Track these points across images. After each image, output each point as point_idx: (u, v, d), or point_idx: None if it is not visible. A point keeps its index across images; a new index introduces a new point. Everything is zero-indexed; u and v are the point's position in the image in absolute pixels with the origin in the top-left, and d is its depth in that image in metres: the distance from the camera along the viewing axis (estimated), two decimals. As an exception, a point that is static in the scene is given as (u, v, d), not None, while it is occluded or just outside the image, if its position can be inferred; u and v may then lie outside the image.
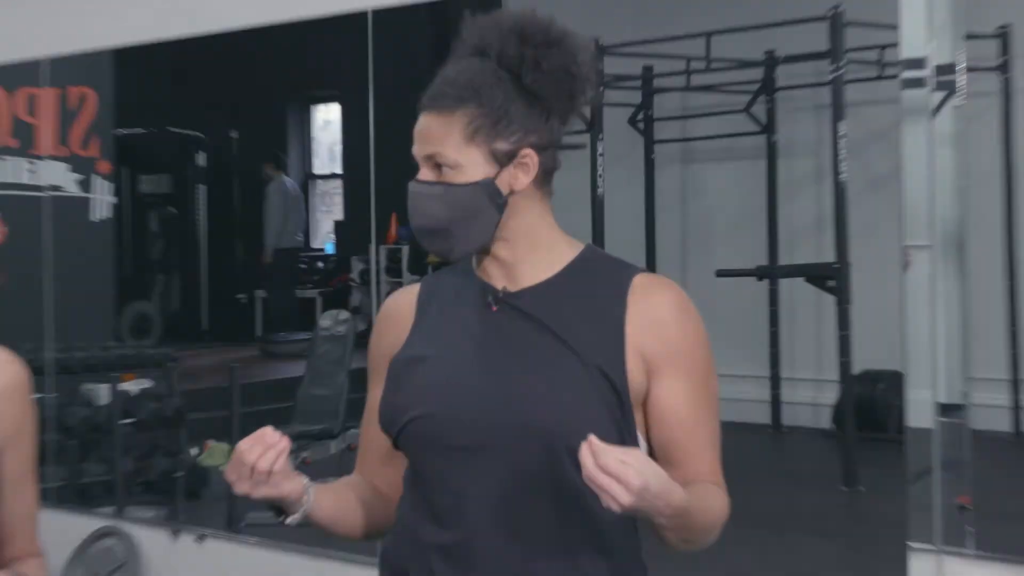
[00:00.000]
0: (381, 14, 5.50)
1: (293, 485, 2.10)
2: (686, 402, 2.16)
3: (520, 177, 2.13)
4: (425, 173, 2.13)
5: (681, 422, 2.16)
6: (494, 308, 2.19)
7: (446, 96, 2.11)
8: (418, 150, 2.14)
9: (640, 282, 2.18)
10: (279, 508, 2.14)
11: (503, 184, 2.12)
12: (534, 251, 2.19)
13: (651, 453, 2.15)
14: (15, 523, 2.18)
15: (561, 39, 2.14)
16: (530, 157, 2.13)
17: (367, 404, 2.33)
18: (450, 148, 2.10)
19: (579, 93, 2.16)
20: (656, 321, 2.16)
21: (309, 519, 2.17)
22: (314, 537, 2.43)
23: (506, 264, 2.19)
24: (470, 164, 2.10)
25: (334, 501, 2.22)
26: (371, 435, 2.30)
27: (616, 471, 1.86)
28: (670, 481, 1.95)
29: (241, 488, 2.06)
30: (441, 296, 2.27)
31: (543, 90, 2.13)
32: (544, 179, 2.15)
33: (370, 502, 2.28)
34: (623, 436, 2.12)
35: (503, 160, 2.12)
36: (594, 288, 2.18)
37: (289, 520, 2.14)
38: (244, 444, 2.04)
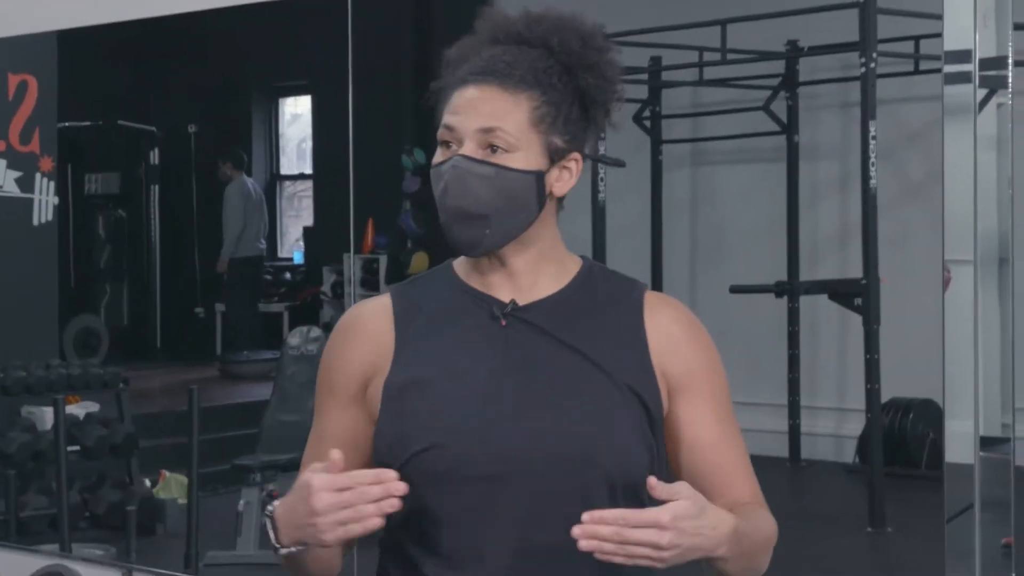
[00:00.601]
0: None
1: None
2: (715, 424, 2.22)
3: (564, 180, 2.18)
4: (472, 148, 2.11)
5: (715, 444, 2.22)
6: (503, 323, 2.19)
7: (511, 74, 2.12)
8: (467, 122, 2.12)
9: (651, 300, 2.25)
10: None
11: (548, 182, 2.16)
12: (543, 263, 2.21)
13: (673, 479, 2.18)
14: None
15: (610, 49, 2.20)
16: (576, 162, 2.17)
17: (321, 431, 2.30)
18: (512, 126, 2.11)
19: (613, 108, 2.20)
20: (674, 340, 2.22)
21: (301, 554, 2.14)
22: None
23: (514, 274, 2.20)
24: (529, 151, 2.12)
25: None
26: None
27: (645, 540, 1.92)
28: (715, 512, 1.99)
29: (334, 535, 2.01)
30: (426, 310, 2.25)
31: (595, 96, 2.17)
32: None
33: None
34: (654, 463, 2.17)
35: (555, 157, 2.14)
36: (606, 304, 2.23)
37: (285, 551, 2.12)
38: (363, 478, 2.00)
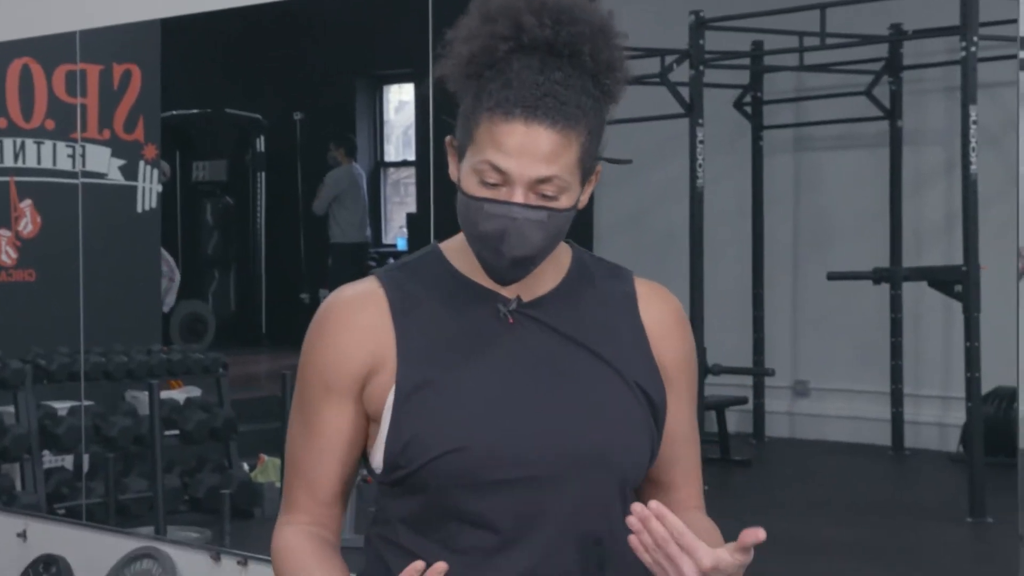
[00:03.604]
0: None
1: None
2: (688, 418, 2.26)
3: (587, 193, 2.14)
4: (523, 194, 2.05)
5: (685, 439, 2.25)
6: (511, 320, 2.18)
7: (562, 111, 2.04)
8: (523, 170, 2.04)
9: (641, 288, 2.26)
10: None
11: (580, 202, 2.12)
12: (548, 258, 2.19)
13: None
14: None
15: (621, 44, 2.14)
16: (598, 173, 2.14)
17: (314, 432, 2.22)
18: (567, 171, 2.05)
19: (619, 99, 2.17)
20: (668, 332, 2.24)
21: None
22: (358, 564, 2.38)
23: None
24: (574, 188, 2.08)
25: None
26: (327, 469, 2.22)
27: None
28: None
29: None
30: (426, 302, 2.20)
31: (615, 95, 2.13)
32: None
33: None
34: (653, 457, 2.20)
35: (585, 179, 2.11)
36: (603, 295, 2.23)
37: None
38: None
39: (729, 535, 2.07)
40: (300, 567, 2.19)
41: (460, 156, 2.11)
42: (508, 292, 2.17)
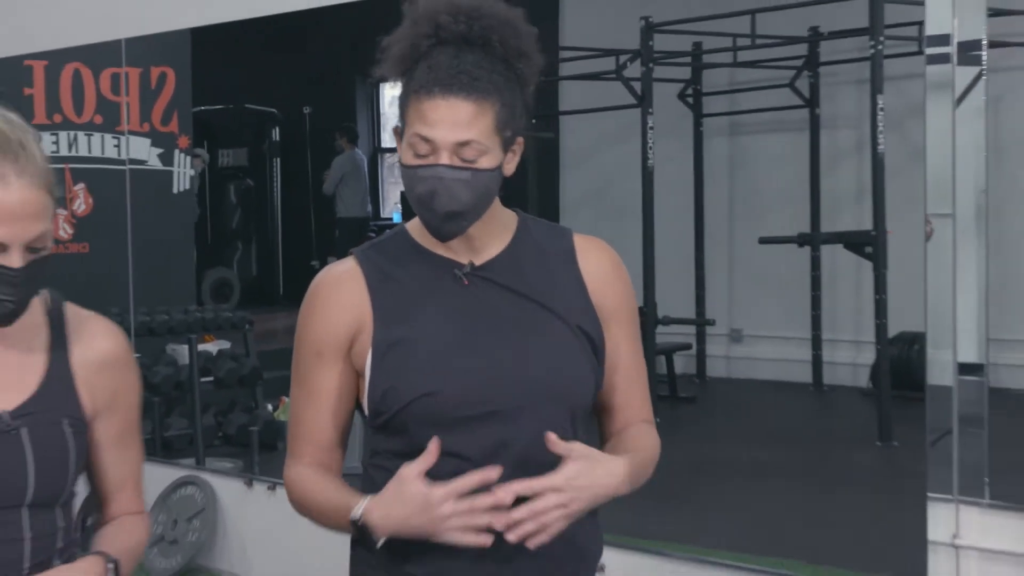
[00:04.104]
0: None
1: None
2: (627, 351, 2.25)
3: (512, 161, 2.16)
4: (448, 157, 2.08)
5: (626, 369, 2.25)
6: (466, 282, 2.20)
7: (475, 86, 2.08)
8: (443, 135, 2.08)
9: (580, 243, 2.26)
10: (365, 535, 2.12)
11: (504, 168, 2.14)
12: (491, 225, 2.21)
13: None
14: (116, 483, 2.15)
15: (531, 30, 2.17)
16: (520, 144, 2.16)
17: (312, 389, 2.24)
18: (483, 135, 2.07)
19: (535, 84, 2.19)
20: (604, 278, 2.24)
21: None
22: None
23: (469, 238, 2.19)
24: (493, 151, 2.10)
25: None
26: (324, 422, 2.24)
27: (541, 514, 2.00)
28: (608, 461, 2.07)
29: (460, 537, 2.02)
30: (395, 274, 2.22)
31: (528, 79, 2.15)
32: None
33: None
34: (598, 385, 2.22)
35: (507, 147, 2.13)
36: (545, 253, 2.24)
37: (381, 542, 2.12)
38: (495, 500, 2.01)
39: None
40: (313, 486, 2.22)
41: (400, 134, 2.14)
42: (463, 259, 2.19)
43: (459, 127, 2.07)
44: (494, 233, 2.22)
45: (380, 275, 2.21)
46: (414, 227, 2.24)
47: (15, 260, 1.89)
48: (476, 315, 2.17)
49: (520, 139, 2.16)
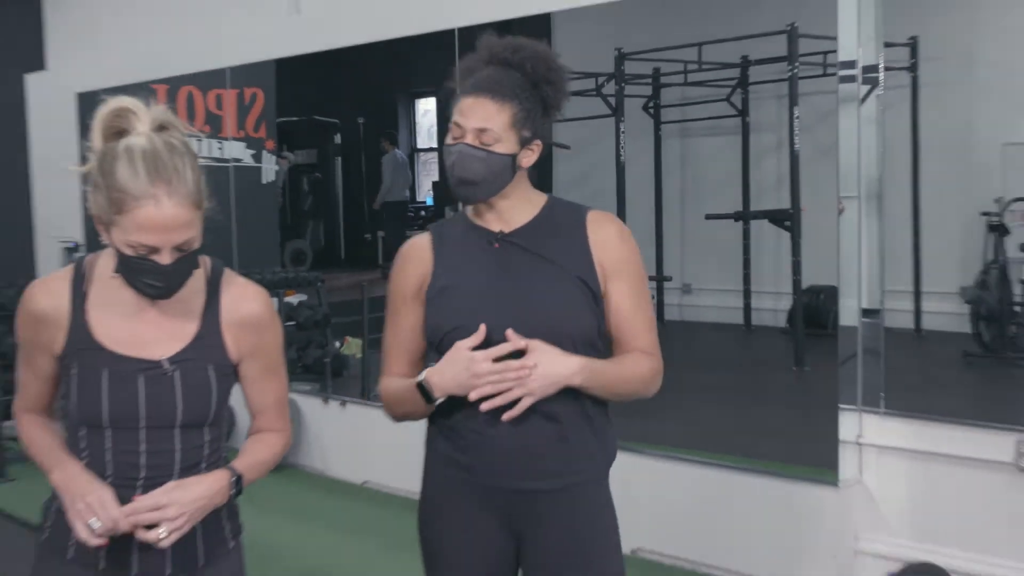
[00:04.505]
0: (464, 31, 5.57)
1: None
2: (628, 297, 2.25)
3: (528, 158, 2.21)
4: (471, 139, 2.14)
5: (626, 311, 2.25)
6: (496, 246, 2.24)
7: (500, 90, 2.14)
8: (469, 121, 2.14)
9: (592, 217, 2.27)
10: (427, 394, 2.16)
11: (519, 160, 2.19)
12: (518, 203, 2.24)
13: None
14: (260, 406, 2.17)
15: (564, 69, 2.22)
16: (537, 146, 2.21)
17: (398, 324, 2.30)
18: (499, 127, 2.14)
19: (562, 107, 2.24)
20: (607, 242, 2.24)
21: (421, 407, 2.22)
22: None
23: (501, 212, 2.23)
24: (507, 141, 2.15)
25: None
26: (403, 347, 2.29)
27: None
28: (560, 356, 2.12)
29: (493, 388, 2.09)
30: (451, 241, 2.27)
31: (552, 102, 2.21)
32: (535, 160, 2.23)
33: None
34: (598, 322, 2.23)
35: (523, 144, 2.18)
36: (561, 225, 2.25)
37: (437, 402, 2.17)
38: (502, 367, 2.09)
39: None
40: (397, 384, 2.27)
41: None
42: (496, 228, 2.24)
43: (481, 118, 2.13)
44: (522, 209, 2.25)
45: (441, 241, 2.27)
46: (470, 209, 2.28)
47: (164, 258, 1.90)
48: (502, 270, 2.20)
49: (538, 141, 2.21)
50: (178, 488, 1.94)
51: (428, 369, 2.19)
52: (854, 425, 4.30)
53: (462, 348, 2.11)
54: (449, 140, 2.19)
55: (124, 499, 1.93)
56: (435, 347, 2.24)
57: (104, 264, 2.03)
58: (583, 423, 2.22)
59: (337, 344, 7.25)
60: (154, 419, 1.97)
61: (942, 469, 4.14)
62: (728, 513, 4.62)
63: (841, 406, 4.31)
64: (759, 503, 4.52)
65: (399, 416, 2.30)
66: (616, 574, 2.29)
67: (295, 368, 7.01)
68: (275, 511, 5.61)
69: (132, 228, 1.86)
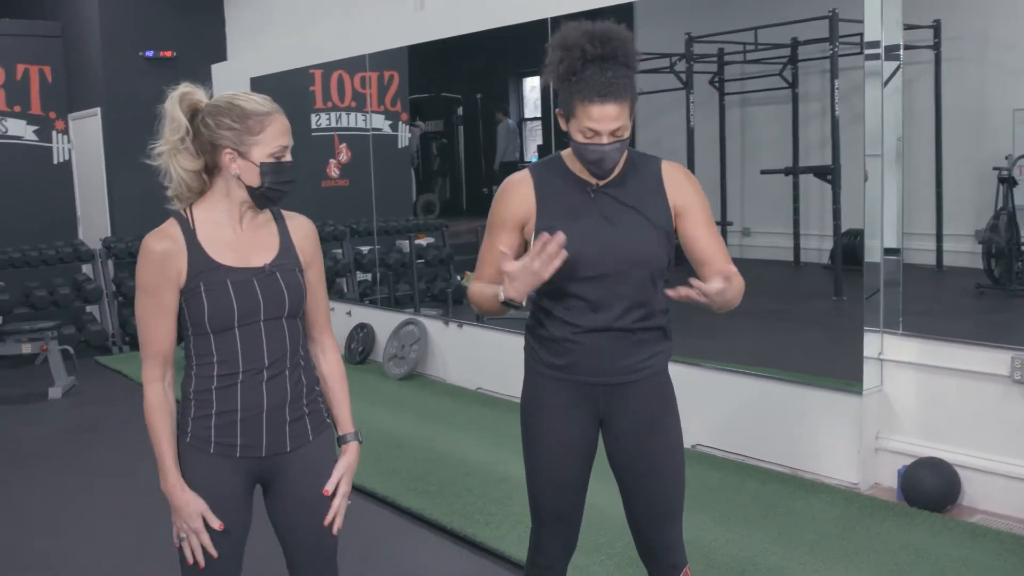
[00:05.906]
0: (557, 20, 5.56)
1: None
2: (702, 225, 2.24)
3: (629, 132, 2.16)
4: (607, 138, 2.11)
5: (703, 237, 2.24)
6: (592, 196, 2.23)
7: (620, 92, 2.09)
8: (606, 127, 2.10)
9: (665, 167, 2.26)
10: (510, 303, 2.13)
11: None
12: None
13: (693, 259, 2.24)
14: (314, 310, 2.21)
15: (632, 39, 2.15)
16: (633, 119, 2.16)
17: (494, 243, 2.25)
18: (625, 120, 2.11)
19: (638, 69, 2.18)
20: (678, 185, 2.24)
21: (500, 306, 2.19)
22: (521, 324, 2.49)
23: None
24: (628, 125, 2.13)
25: None
26: (494, 262, 2.23)
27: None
28: (732, 285, 2.08)
29: (545, 270, 2.05)
30: (552, 186, 2.24)
31: (636, 70, 2.16)
32: None
33: None
34: (669, 256, 2.22)
35: (630, 124, 2.15)
36: (641, 174, 2.24)
37: (525, 306, 2.16)
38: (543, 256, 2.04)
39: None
40: (483, 289, 2.25)
41: (566, 119, 2.15)
42: (591, 180, 2.22)
43: (613, 121, 2.10)
44: None
45: (543, 183, 2.25)
46: (566, 155, 2.26)
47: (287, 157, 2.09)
48: (596, 215, 2.20)
49: (633, 116, 2.17)
50: (347, 477, 2.18)
51: (502, 287, 2.17)
52: (876, 344, 4.26)
53: (515, 263, 2.08)
54: (582, 139, 2.13)
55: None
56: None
57: (202, 210, 2.09)
58: (652, 330, 2.25)
59: (458, 278, 7.35)
60: (270, 311, 2.06)
61: (949, 381, 4.09)
62: (770, 416, 4.62)
63: (866, 328, 4.27)
64: (796, 408, 4.52)
65: (479, 310, 2.32)
66: (677, 439, 2.31)
67: (424, 297, 7.15)
68: (406, 410, 5.81)
69: (270, 139, 2.02)
